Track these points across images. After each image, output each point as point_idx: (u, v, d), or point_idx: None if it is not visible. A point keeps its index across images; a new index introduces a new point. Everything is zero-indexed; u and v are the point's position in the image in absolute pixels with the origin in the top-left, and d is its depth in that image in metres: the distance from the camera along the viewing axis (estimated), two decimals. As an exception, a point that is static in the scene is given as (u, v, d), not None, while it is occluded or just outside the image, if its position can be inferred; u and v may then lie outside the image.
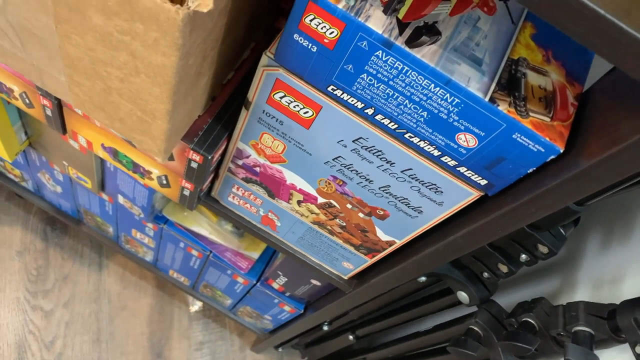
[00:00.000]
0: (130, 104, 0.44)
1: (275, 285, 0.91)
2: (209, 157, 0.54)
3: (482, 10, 0.39)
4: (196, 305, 1.29)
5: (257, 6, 0.50)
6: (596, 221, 0.68)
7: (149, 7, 0.33)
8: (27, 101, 0.63)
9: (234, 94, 0.57)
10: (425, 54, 0.36)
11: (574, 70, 0.40)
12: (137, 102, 0.43)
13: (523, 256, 0.58)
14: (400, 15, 0.37)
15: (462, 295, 0.68)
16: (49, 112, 0.63)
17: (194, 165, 0.57)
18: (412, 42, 0.36)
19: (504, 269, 0.61)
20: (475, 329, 0.66)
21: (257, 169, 0.58)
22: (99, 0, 0.35)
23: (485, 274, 0.64)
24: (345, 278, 0.71)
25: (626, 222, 0.64)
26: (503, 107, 0.36)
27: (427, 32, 0.37)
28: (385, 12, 0.36)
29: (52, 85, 0.49)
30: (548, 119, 0.37)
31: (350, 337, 0.98)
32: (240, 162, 0.59)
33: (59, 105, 0.61)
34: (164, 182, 0.64)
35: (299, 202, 0.60)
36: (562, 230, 0.55)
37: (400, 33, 0.36)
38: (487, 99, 0.36)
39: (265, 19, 0.58)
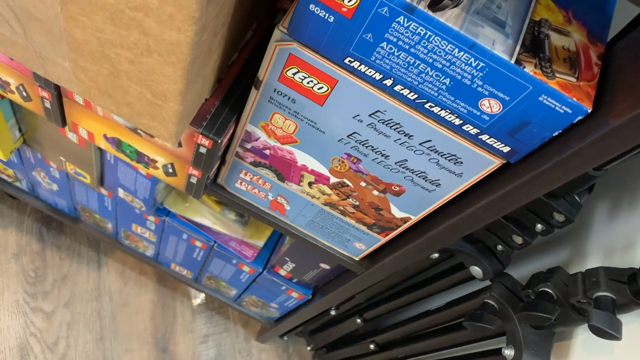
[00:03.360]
0: (140, 87, 0.43)
1: (283, 272, 0.90)
2: (219, 141, 0.53)
3: (500, -28, 0.38)
4: (199, 298, 1.28)
5: (263, -18, 0.49)
6: (604, 187, 0.68)
7: (164, -21, 0.32)
8: (25, 94, 0.62)
9: (240, 75, 0.56)
10: (449, 17, 0.35)
11: (595, 30, 0.39)
12: (147, 84, 0.42)
13: (539, 226, 0.58)
14: (421, -20, 0.36)
15: (476, 270, 0.67)
16: (47, 105, 0.61)
17: (202, 150, 0.56)
18: (434, 6, 0.35)
19: (518, 240, 0.61)
20: (491, 302, 0.66)
21: (267, 151, 0.57)
22: (110, -25, 0.33)
23: (499, 247, 0.63)
24: (357, 259, 0.70)
25: (634, 188, 0.64)
26: (529, 69, 0.36)
27: (449, -5, 0.36)
28: (405, -24, 0.35)
29: (56, 73, 0.47)
30: (574, 80, 0.37)
31: (358, 320, 0.98)
32: (249, 146, 0.58)
33: (58, 96, 0.59)
34: (170, 170, 0.63)
35: (310, 184, 0.59)
36: (577, 198, 0.55)
37: (422, -3, 0.35)
38: (512, 61, 0.36)
39: (267, -2, 0.57)
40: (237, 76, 0.55)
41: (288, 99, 0.48)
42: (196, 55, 0.39)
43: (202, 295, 1.28)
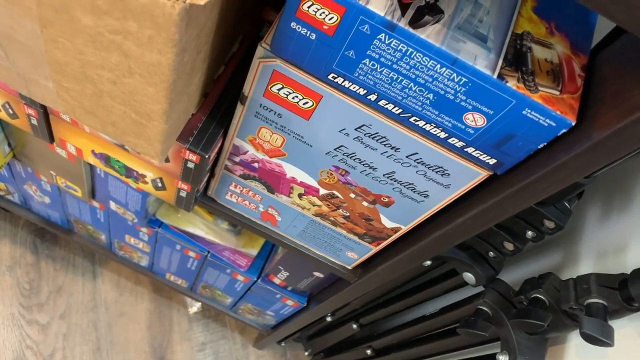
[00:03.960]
0: (124, 107, 0.43)
1: (277, 281, 0.90)
2: (206, 157, 0.53)
3: (482, -15, 0.38)
4: (195, 307, 1.28)
5: (246, -3, 0.49)
6: (594, 191, 0.68)
7: (143, 3, 0.31)
8: (11, 111, 0.61)
9: (226, 89, 0.55)
10: (430, 34, 0.35)
11: (578, 41, 0.39)
12: (130, 104, 0.42)
13: (529, 233, 0.57)
14: (401, -4, 0.36)
15: (468, 276, 0.67)
16: (34, 122, 0.61)
17: (190, 165, 0.55)
18: (415, 22, 0.35)
19: (509, 247, 0.61)
20: (484, 309, 0.66)
21: (256, 164, 0.57)
22: (87, 0, 0.33)
23: (491, 253, 0.63)
24: (350, 268, 0.70)
25: (625, 191, 0.64)
26: (512, 83, 0.36)
27: (430, 11, 0.36)
28: (385, -7, 0.35)
29: (39, 93, 0.47)
30: (557, 93, 0.36)
31: (354, 326, 0.98)
32: (237, 159, 0.58)
33: (45, 113, 0.59)
34: (159, 184, 0.63)
35: (300, 196, 0.59)
36: (567, 204, 0.55)
37: (403, 14, 0.35)
38: (495, 76, 0.36)
39: (252, 10, 0.56)
40: (223, 90, 0.55)
41: (274, 114, 0.48)
42: (178, 75, 0.38)
43: (198, 304, 1.28)
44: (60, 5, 0.35)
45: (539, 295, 0.59)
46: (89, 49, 0.38)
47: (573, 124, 0.36)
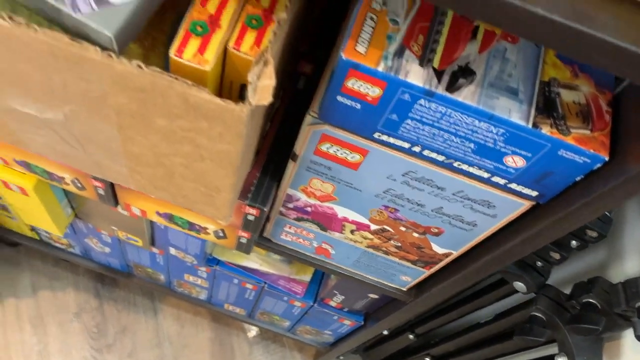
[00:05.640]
0: (194, 184, 0.47)
1: (333, 304, 0.94)
2: (265, 210, 0.58)
3: (506, 40, 0.42)
4: (253, 330, 1.33)
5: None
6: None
7: (214, 108, 0.36)
8: (79, 185, 0.67)
9: (275, 144, 0.60)
10: (466, 95, 0.39)
11: (601, 78, 0.42)
12: (201, 182, 0.47)
13: (573, 242, 0.61)
14: (435, 64, 0.39)
15: (519, 285, 0.70)
16: (101, 192, 0.66)
17: (250, 217, 0.60)
18: (451, 87, 0.39)
19: (556, 256, 0.64)
20: (539, 315, 0.69)
21: (308, 209, 0.61)
22: (163, 109, 0.38)
23: (539, 263, 0.67)
24: (404, 290, 0.74)
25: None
26: (545, 130, 0.39)
27: (463, 74, 0.39)
28: (420, 64, 0.39)
29: (112, 175, 0.52)
30: (588, 132, 0.40)
31: (410, 336, 1.01)
32: (291, 205, 0.62)
33: (111, 185, 0.64)
34: (221, 234, 0.68)
35: (352, 231, 0.63)
36: (607, 213, 0.58)
37: (439, 80, 0.39)
38: (529, 125, 0.39)
39: (288, 65, 0.61)
40: (272, 145, 0.60)
41: (324, 167, 0.52)
42: (244, 155, 0.43)
43: (256, 327, 1.33)
44: (139, 114, 0.39)
45: (590, 300, 0.62)
46: (163, 144, 0.43)
47: (606, 159, 0.40)
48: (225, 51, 0.38)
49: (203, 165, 0.44)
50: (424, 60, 0.39)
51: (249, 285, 0.97)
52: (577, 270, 0.77)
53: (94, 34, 0.34)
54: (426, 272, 0.67)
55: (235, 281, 0.97)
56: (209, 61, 0.36)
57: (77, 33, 0.35)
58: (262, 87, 0.36)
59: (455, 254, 0.60)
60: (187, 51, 0.36)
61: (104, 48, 0.34)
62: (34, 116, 0.45)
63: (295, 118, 0.53)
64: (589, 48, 0.30)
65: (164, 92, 0.36)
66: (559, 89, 0.41)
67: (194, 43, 0.36)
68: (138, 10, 0.35)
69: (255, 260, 0.94)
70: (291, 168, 0.55)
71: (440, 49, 0.40)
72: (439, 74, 0.39)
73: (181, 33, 0.36)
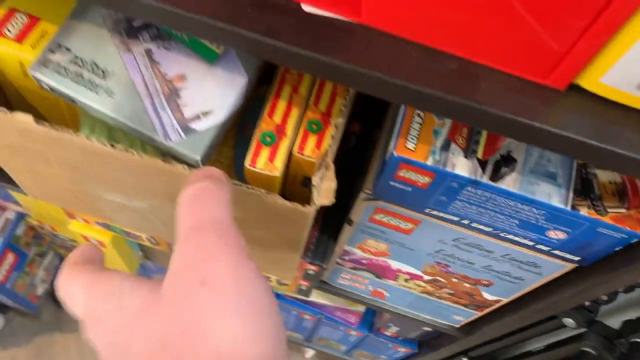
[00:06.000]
0: (265, 257, 0.53)
1: (388, 333, 0.98)
2: (324, 267, 0.63)
3: (544, 126, 0.45)
4: (310, 352, 1.39)
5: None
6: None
7: (284, 212, 0.41)
8: (154, 242, 0.74)
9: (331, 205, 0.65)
10: (509, 183, 0.43)
11: (636, 155, 0.46)
12: (270, 255, 0.52)
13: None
14: (479, 155, 0.44)
15: (569, 321, 0.73)
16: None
17: (310, 272, 0.65)
18: (495, 175, 0.43)
19: (604, 297, 0.67)
20: (589, 350, 0.71)
21: (364, 261, 0.66)
22: (241, 205, 0.44)
23: (587, 303, 0.69)
24: (457, 327, 0.78)
25: None
26: (584, 211, 0.43)
27: (505, 162, 0.44)
28: (465, 155, 0.44)
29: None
30: (624, 210, 0.43)
31: (464, 359, 1.05)
32: (347, 258, 0.67)
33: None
34: (283, 282, 0.73)
35: (406, 280, 0.68)
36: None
37: (483, 170, 0.43)
38: (568, 208, 0.43)
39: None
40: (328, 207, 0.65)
41: (378, 231, 0.57)
42: (307, 234, 0.48)
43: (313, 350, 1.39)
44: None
45: (639, 340, 0.64)
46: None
47: (643, 235, 0.43)
48: (290, 154, 0.44)
49: (274, 244, 0.49)
50: (469, 151, 0.44)
51: (306, 316, 1.03)
52: (624, 304, 0.79)
53: (182, 156, 0.40)
54: (478, 314, 0.70)
55: (294, 313, 1.02)
56: (279, 168, 0.42)
57: (168, 152, 0.41)
58: (325, 189, 0.41)
59: (505, 300, 0.63)
60: (259, 161, 0.42)
61: (190, 165, 0.40)
62: (123, 204, 0.52)
63: (349, 178, 0.57)
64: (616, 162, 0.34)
65: (243, 197, 0.41)
66: (595, 170, 0.44)
67: (264, 153, 0.42)
68: (219, 133, 0.40)
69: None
70: (348, 230, 0.60)
71: (482, 140, 0.44)
72: (483, 163, 0.43)
73: (253, 144, 0.42)
